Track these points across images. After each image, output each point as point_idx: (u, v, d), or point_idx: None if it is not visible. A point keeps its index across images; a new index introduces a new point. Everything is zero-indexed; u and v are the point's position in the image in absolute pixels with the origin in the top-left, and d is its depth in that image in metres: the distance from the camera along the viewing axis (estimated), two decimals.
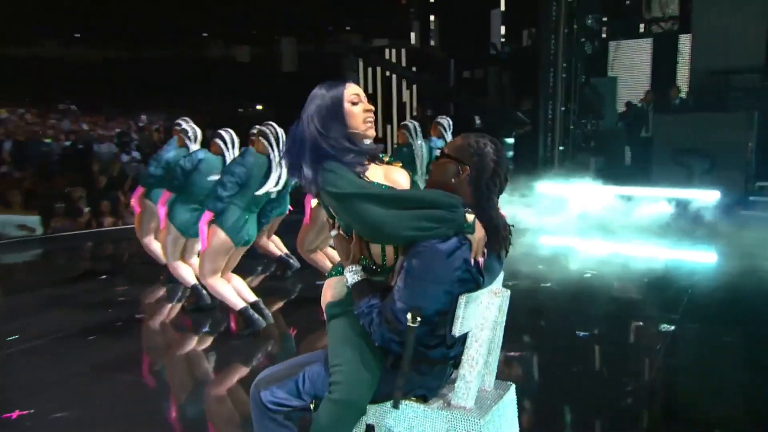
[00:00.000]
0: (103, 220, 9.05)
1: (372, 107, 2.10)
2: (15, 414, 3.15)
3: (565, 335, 4.32)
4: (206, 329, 4.50)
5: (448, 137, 6.38)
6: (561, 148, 10.63)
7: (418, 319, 1.79)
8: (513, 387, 2.24)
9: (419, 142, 5.78)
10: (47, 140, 12.06)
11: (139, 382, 3.64)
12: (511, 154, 12.70)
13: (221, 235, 4.08)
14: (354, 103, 2.01)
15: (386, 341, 1.85)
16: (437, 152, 6.26)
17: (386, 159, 2.16)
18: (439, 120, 6.54)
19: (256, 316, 4.23)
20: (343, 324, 2.01)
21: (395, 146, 6.27)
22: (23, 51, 14.67)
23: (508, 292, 2.08)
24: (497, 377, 2.21)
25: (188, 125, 5.17)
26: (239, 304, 4.24)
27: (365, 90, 15.37)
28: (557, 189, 9.33)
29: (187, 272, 4.91)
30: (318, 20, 15.83)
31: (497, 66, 13.87)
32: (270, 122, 4.20)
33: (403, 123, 6.07)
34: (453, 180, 1.92)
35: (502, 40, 14.86)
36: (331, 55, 15.18)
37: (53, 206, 8.94)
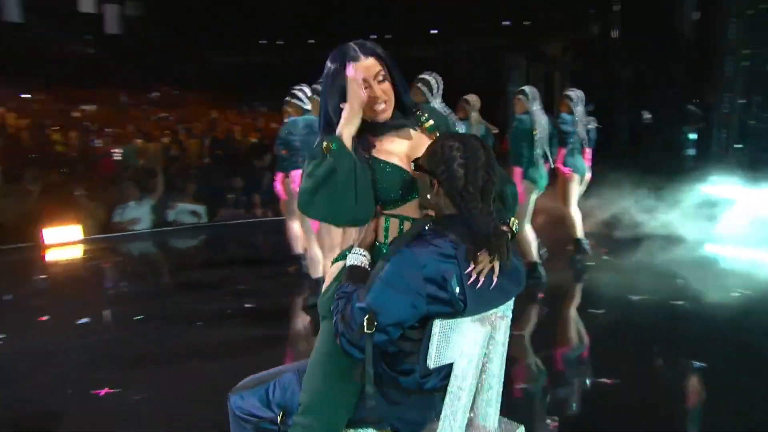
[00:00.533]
0: (265, 210, 9.64)
1: (380, 93, 1.79)
2: (104, 391, 3.45)
3: (676, 364, 3.78)
4: (305, 326, 4.60)
5: (579, 111, 5.76)
6: (739, 145, 9.33)
7: (375, 323, 1.60)
8: (522, 429, 1.98)
9: (535, 109, 5.20)
10: (238, 138, 13.11)
11: (221, 372, 3.76)
12: (693, 152, 11.49)
13: None
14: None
15: (338, 335, 1.67)
16: (567, 128, 5.76)
17: (426, 125, 1.92)
18: (567, 93, 5.85)
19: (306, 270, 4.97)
20: (329, 330, 1.81)
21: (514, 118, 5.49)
22: (234, 59, 16.29)
23: (507, 319, 1.85)
24: (528, 418, 2.01)
25: (300, 92, 4.94)
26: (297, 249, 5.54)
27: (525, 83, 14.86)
28: (730, 192, 8.23)
29: (318, 263, 4.85)
30: (495, 17, 15.49)
31: (678, 55, 12.58)
32: (299, 86, 4.15)
33: (520, 89, 5.43)
34: (429, 196, 1.73)
35: (697, 27, 13.43)
36: (497, 52, 14.93)
37: (224, 197, 9.75)
